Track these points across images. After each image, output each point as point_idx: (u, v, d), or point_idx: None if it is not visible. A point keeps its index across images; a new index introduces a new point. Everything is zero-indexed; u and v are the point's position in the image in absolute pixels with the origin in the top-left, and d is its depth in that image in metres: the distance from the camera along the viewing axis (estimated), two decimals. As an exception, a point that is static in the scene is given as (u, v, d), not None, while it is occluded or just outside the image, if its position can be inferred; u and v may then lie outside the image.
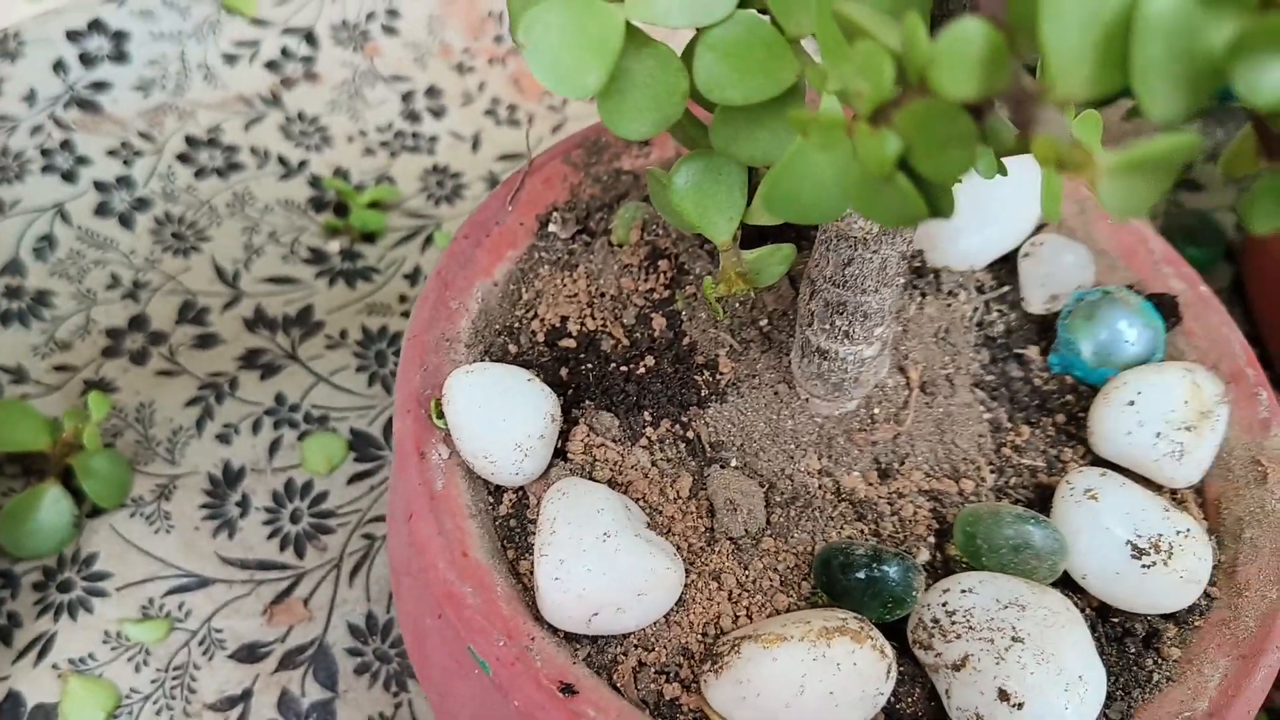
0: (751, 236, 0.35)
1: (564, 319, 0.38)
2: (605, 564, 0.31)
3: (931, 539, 0.35)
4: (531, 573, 0.33)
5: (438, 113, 0.63)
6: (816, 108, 0.22)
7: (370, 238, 0.57)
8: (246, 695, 0.43)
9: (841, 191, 0.25)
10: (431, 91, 0.64)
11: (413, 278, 0.55)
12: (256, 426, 0.50)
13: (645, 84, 0.25)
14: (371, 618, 0.45)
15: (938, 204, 0.20)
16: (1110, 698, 0.33)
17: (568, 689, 0.30)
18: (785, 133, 0.26)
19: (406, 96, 0.63)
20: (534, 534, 0.34)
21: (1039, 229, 0.42)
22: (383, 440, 0.50)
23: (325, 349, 0.52)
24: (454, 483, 0.34)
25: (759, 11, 0.25)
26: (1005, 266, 0.41)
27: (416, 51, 0.65)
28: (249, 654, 0.44)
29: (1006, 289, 0.41)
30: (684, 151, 0.44)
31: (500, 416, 0.33)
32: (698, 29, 0.25)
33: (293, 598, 0.45)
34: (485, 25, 0.67)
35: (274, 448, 0.49)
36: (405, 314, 0.54)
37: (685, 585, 0.33)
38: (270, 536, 0.47)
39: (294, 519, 0.47)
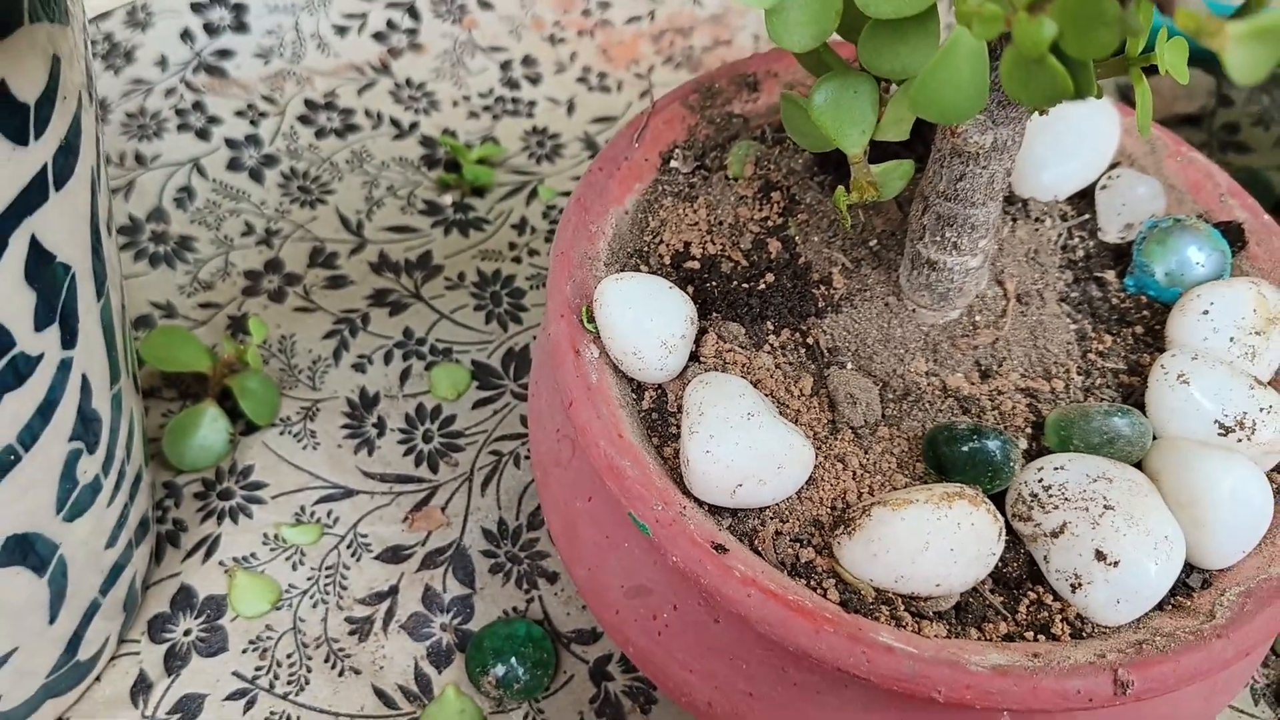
0: (871, 159, 0.39)
1: (687, 244, 0.43)
2: (750, 439, 0.35)
3: (1029, 430, 0.39)
4: (675, 456, 0.37)
5: (534, 80, 0.67)
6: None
7: (480, 191, 0.61)
8: (393, 591, 0.47)
9: (977, 92, 0.29)
10: (527, 61, 0.68)
11: (520, 227, 0.60)
12: (388, 357, 0.54)
13: (806, 2, 0.30)
14: (503, 523, 0.49)
15: (1081, 83, 0.24)
16: (1189, 567, 0.37)
17: (720, 548, 0.34)
18: (925, 47, 0.30)
19: (505, 65, 0.68)
20: (674, 425, 0.38)
21: (1113, 165, 0.46)
22: (502, 371, 0.54)
23: (445, 289, 0.57)
24: (605, 378, 0.38)
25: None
26: (1084, 199, 0.46)
27: (511, 24, 0.70)
28: (393, 555, 0.48)
29: (1086, 218, 0.45)
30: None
31: (648, 317, 0.38)
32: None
33: (430, 506, 0.50)
34: (573, 0, 0.71)
35: (404, 376, 0.54)
36: (516, 259, 0.59)
37: (814, 466, 0.37)
38: (406, 454, 0.51)
39: (426, 439, 0.52)
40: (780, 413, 0.38)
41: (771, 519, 0.37)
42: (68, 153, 0.31)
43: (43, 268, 0.31)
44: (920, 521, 0.34)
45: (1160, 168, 0.46)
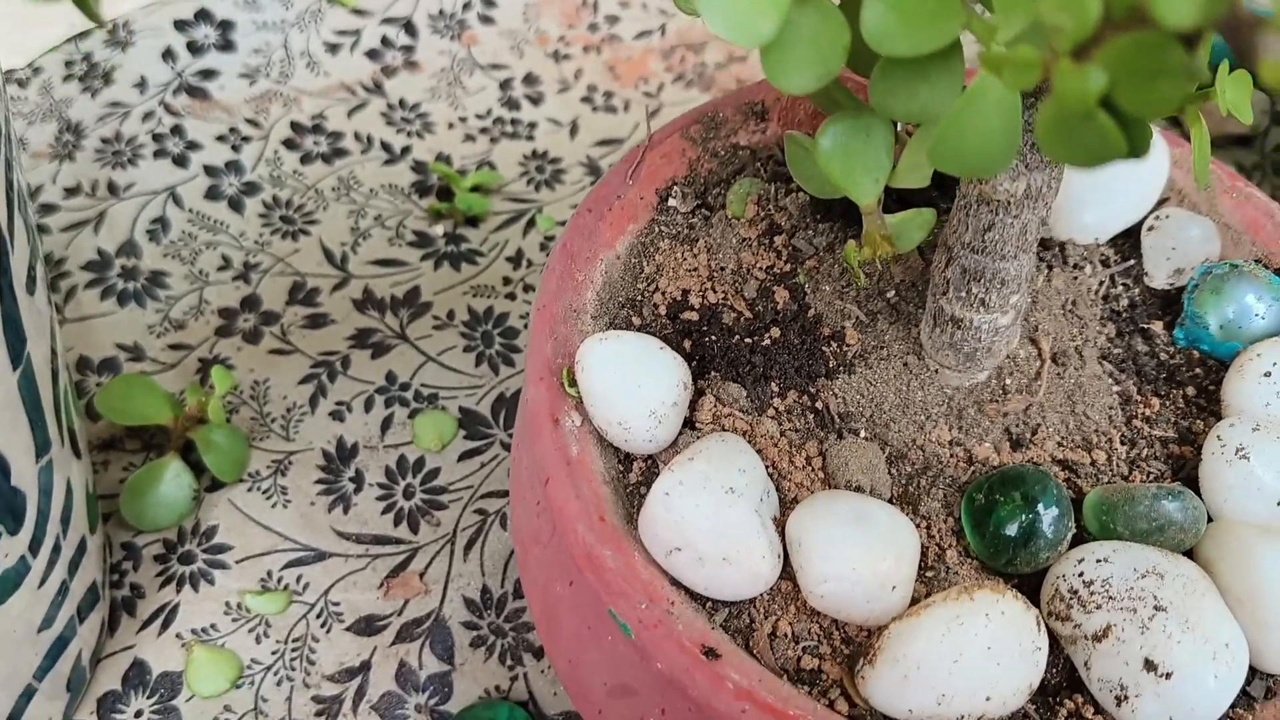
0: (887, 206, 0.35)
1: (685, 292, 0.38)
2: (713, 510, 0.31)
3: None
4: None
5: (535, 100, 0.63)
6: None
7: (473, 221, 0.57)
8: (365, 667, 0.43)
9: (1008, 142, 0.25)
10: (529, 79, 0.64)
11: (515, 260, 0.56)
12: (369, 404, 0.50)
13: (809, 37, 0.25)
14: (486, 592, 0.45)
15: (1135, 141, 0.20)
16: (1251, 671, 0.32)
17: (710, 652, 0.30)
18: (947, 87, 0.26)
19: (505, 84, 0.64)
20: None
21: (1161, 203, 0.42)
22: (491, 419, 0.50)
23: (433, 329, 0.53)
24: (587, 450, 0.34)
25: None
26: (1128, 241, 0.41)
27: (513, 40, 0.66)
28: (366, 626, 0.44)
29: (1130, 263, 0.40)
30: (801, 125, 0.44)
31: (635, 383, 0.34)
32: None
33: (408, 571, 0.45)
34: (580, 14, 0.67)
35: (386, 425, 0.50)
36: (509, 296, 0.54)
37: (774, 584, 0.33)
38: (384, 512, 0.47)
39: (407, 494, 0.48)
40: (779, 486, 0.34)
41: (765, 617, 0.32)
42: (-38, 208, 0.27)
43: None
44: (945, 624, 0.30)
45: (1214, 205, 0.42)
